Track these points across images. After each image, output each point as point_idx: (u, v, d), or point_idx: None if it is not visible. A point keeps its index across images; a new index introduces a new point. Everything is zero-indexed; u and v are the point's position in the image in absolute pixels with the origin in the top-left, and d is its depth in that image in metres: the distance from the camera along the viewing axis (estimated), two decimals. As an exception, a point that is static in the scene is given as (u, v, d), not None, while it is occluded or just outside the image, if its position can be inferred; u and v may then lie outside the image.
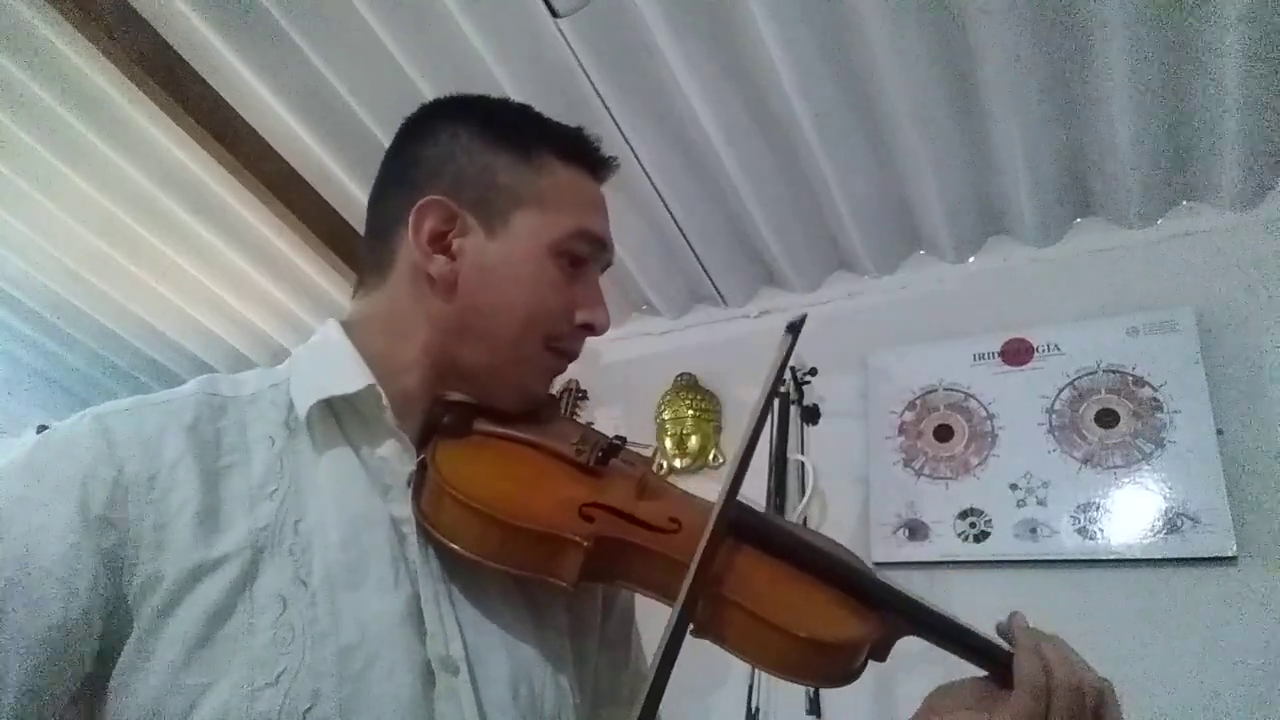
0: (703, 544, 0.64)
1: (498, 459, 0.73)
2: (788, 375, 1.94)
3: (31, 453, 0.60)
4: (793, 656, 0.66)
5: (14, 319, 2.71)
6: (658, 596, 0.67)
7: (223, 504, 0.61)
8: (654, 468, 0.82)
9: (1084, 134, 1.59)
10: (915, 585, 1.65)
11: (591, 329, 0.78)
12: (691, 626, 0.66)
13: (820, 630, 0.66)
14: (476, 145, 0.75)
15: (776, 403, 1.93)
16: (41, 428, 2.95)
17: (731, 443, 2.07)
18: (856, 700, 1.59)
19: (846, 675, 0.68)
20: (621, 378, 2.25)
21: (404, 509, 0.68)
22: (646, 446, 0.85)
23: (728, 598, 0.66)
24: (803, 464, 1.88)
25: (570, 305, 0.76)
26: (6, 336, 2.79)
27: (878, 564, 1.72)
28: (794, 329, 0.78)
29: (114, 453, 0.59)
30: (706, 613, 0.66)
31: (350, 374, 0.69)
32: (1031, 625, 0.73)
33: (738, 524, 0.72)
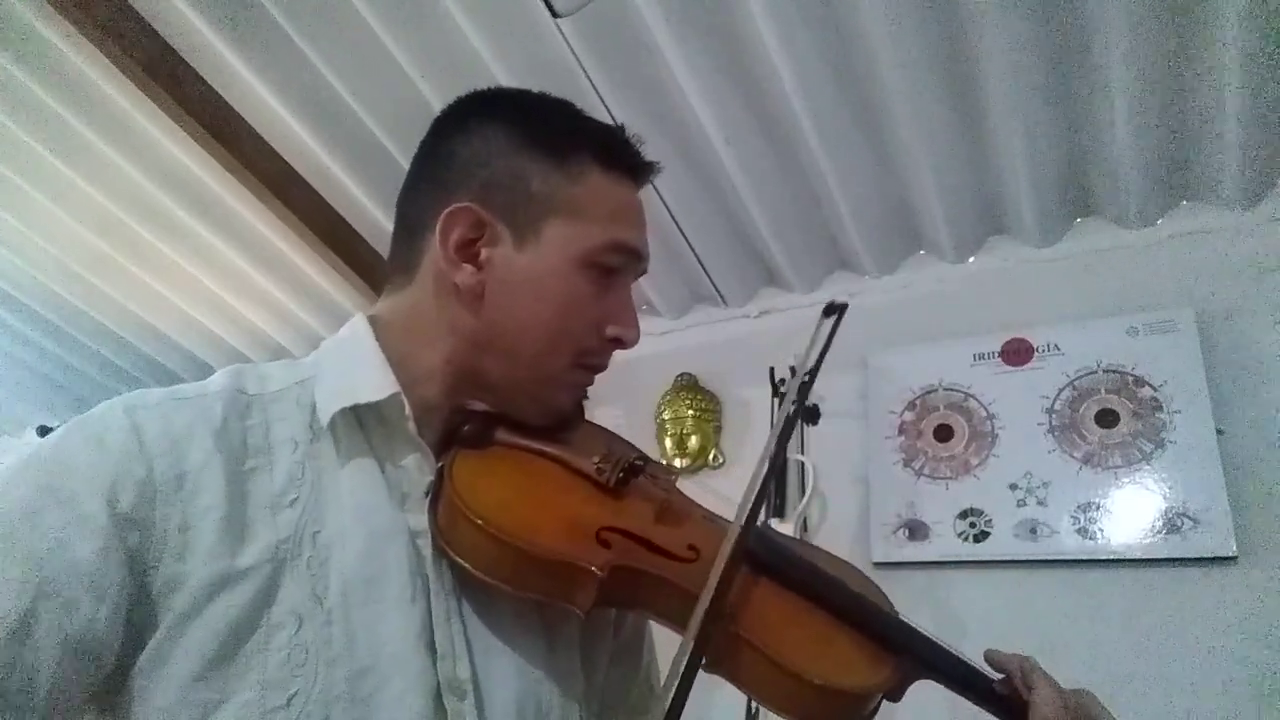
0: (712, 583, 0.61)
1: (516, 475, 0.71)
2: (787, 375, 1.94)
3: (61, 442, 0.59)
4: (805, 702, 0.64)
5: (14, 319, 2.71)
6: (673, 626, 0.66)
7: (247, 511, 0.60)
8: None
9: (1084, 134, 1.59)
10: (915, 585, 1.65)
11: (621, 343, 0.74)
12: (703, 661, 0.64)
13: (835, 677, 0.64)
14: (511, 148, 0.72)
15: (776, 403, 1.92)
16: (42, 428, 2.95)
17: (732, 442, 2.06)
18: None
19: None
20: (621, 378, 2.21)
21: (420, 521, 0.66)
22: (670, 469, 0.82)
23: (741, 635, 0.64)
24: (803, 464, 1.88)
25: (600, 319, 0.73)
26: (6, 336, 2.79)
27: (878, 564, 1.72)
28: (834, 310, 0.75)
29: (144, 450, 0.58)
30: (718, 649, 0.64)
31: (376, 380, 0.68)
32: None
33: (754, 555, 0.70)
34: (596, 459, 0.73)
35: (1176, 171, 1.62)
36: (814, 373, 0.74)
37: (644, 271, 0.78)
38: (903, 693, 0.69)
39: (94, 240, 2.32)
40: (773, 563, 0.71)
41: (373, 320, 0.74)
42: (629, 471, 0.74)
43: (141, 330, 2.71)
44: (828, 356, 1.95)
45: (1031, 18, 1.40)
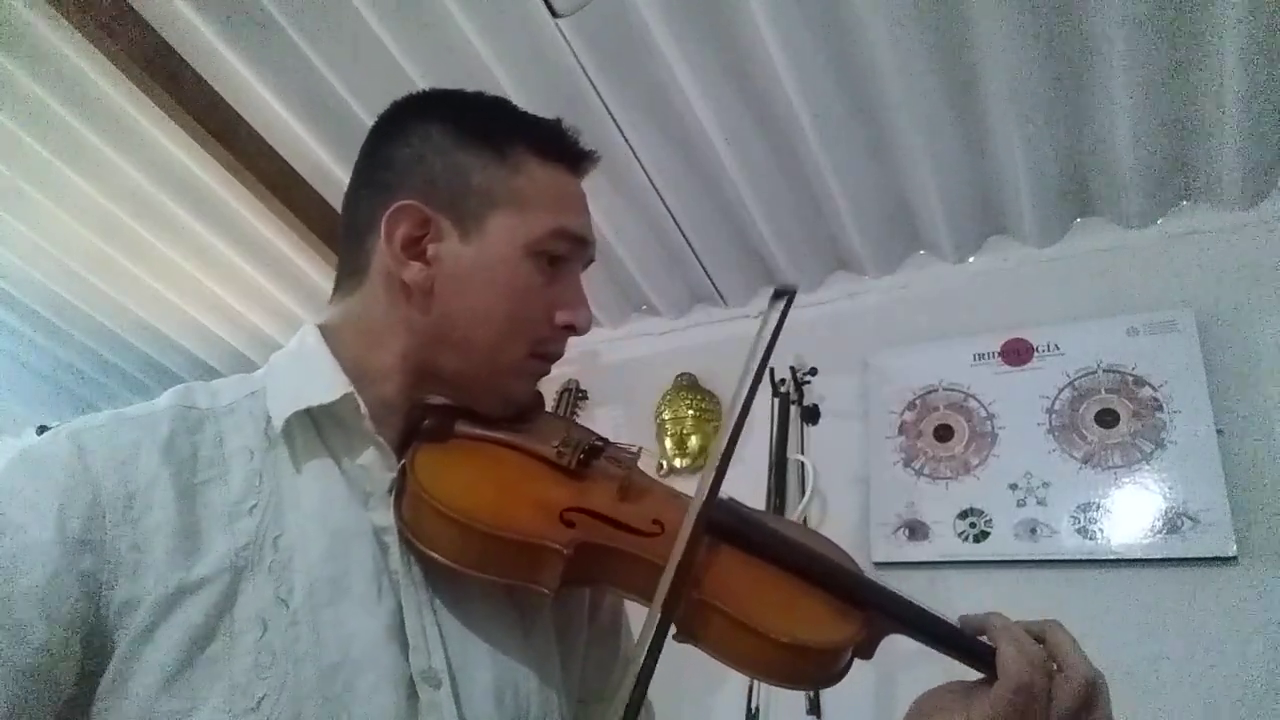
0: (678, 549, 0.62)
1: (477, 463, 0.72)
2: (787, 375, 1.94)
3: (6, 473, 0.59)
4: (774, 661, 0.65)
5: (14, 319, 2.71)
6: (642, 600, 0.66)
7: (201, 522, 0.60)
8: (657, 466, 0.80)
9: (1084, 134, 1.59)
10: (915, 585, 1.65)
11: (574, 329, 0.75)
12: (673, 630, 0.65)
13: (802, 634, 0.65)
14: (449, 144, 0.73)
15: (776, 402, 1.92)
16: (41, 428, 2.95)
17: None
18: (857, 701, 1.59)
19: (830, 677, 0.68)
20: (621, 378, 2.24)
21: (385, 517, 0.67)
22: (632, 446, 0.83)
23: (707, 601, 0.65)
24: (803, 464, 1.88)
25: (550, 307, 0.74)
26: (6, 336, 2.79)
27: (878, 564, 1.72)
28: (782, 295, 0.76)
29: (90, 473, 0.58)
30: (686, 616, 0.65)
31: (327, 382, 0.68)
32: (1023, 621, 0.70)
33: (717, 524, 0.71)
34: (556, 443, 0.74)
35: (1176, 171, 1.62)
36: (759, 375, 0.75)
37: (591, 259, 0.79)
38: (874, 649, 0.70)
39: (94, 240, 2.32)
40: (736, 530, 0.72)
41: (323, 328, 0.75)
42: (589, 453, 0.75)
43: (141, 330, 2.71)
44: (828, 357, 1.97)
45: (1031, 18, 1.39)
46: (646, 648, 0.57)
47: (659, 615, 0.59)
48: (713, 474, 0.69)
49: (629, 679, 0.56)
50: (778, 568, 0.71)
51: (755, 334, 0.75)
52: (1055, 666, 0.64)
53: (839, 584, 0.71)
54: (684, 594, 0.63)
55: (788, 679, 0.68)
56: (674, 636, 0.65)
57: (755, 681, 1.67)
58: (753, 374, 0.73)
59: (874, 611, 0.69)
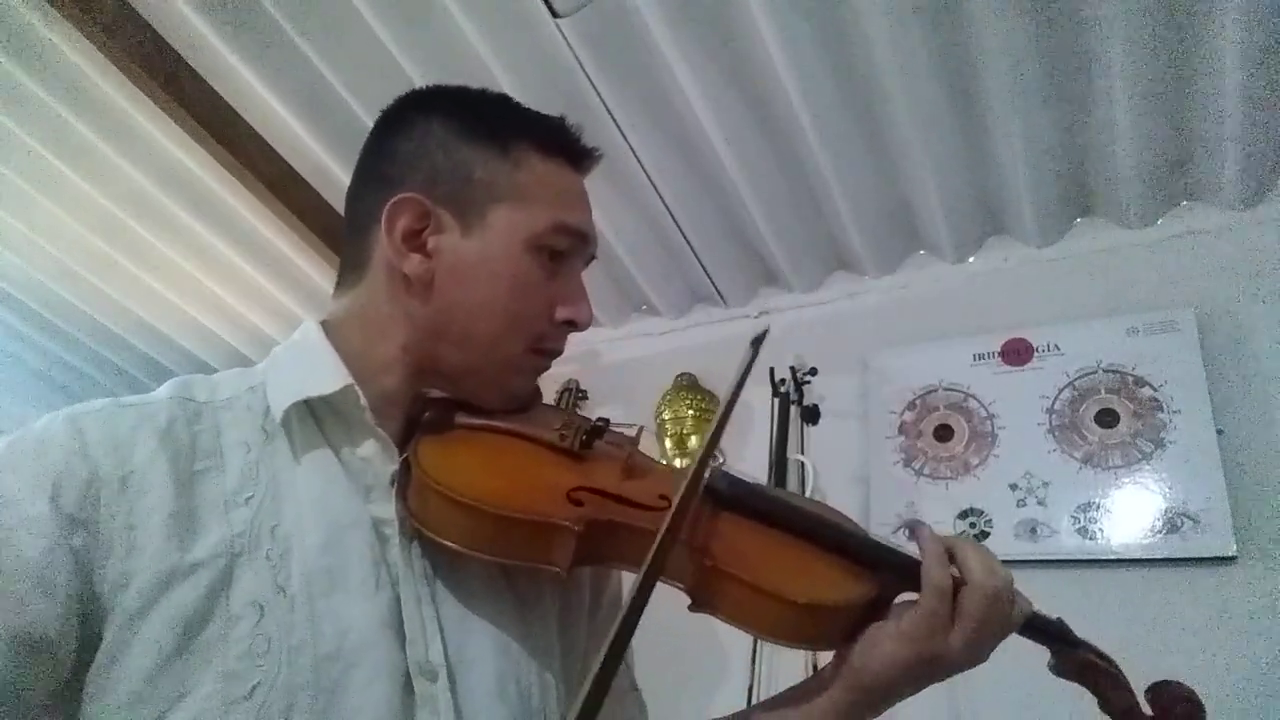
0: (677, 499, 0.63)
1: (482, 451, 0.72)
2: (787, 375, 1.94)
3: (4, 451, 0.59)
4: (791, 622, 0.66)
5: (14, 319, 2.71)
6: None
7: (197, 508, 0.60)
8: (639, 445, 0.81)
9: (1084, 134, 1.59)
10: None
11: (574, 325, 0.75)
12: (689, 602, 0.66)
13: (816, 594, 0.67)
14: (452, 139, 0.73)
15: (776, 402, 1.93)
16: (41, 428, 2.95)
17: (731, 442, 2.06)
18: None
19: (847, 637, 0.69)
20: (621, 378, 2.24)
21: (386, 509, 0.67)
22: (630, 426, 0.84)
23: (721, 569, 0.66)
24: (803, 464, 1.88)
25: (550, 302, 0.73)
26: (6, 336, 2.79)
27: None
28: (757, 343, 0.78)
29: (87, 452, 0.58)
30: (701, 586, 0.66)
31: (327, 374, 0.68)
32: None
33: (723, 493, 0.73)
34: (558, 427, 0.76)
35: (1176, 171, 1.62)
36: (733, 401, 0.77)
37: (593, 256, 0.79)
38: (888, 609, 0.71)
39: (94, 240, 2.32)
40: (742, 498, 0.74)
41: (325, 323, 0.75)
42: (591, 434, 0.76)
43: (141, 330, 2.72)
44: (828, 357, 1.97)
45: (1031, 18, 1.40)
46: (630, 601, 0.58)
47: (647, 564, 0.60)
48: (708, 437, 0.70)
49: (612, 626, 0.57)
50: (787, 533, 0.73)
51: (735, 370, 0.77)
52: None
53: (846, 546, 0.73)
54: (696, 565, 0.64)
55: (803, 639, 0.70)
56: (689, 608, 0.67)
57: (755, 680, 1.68)
58: (735, 389, 0.77)
59: (882, 570, 0.71)
